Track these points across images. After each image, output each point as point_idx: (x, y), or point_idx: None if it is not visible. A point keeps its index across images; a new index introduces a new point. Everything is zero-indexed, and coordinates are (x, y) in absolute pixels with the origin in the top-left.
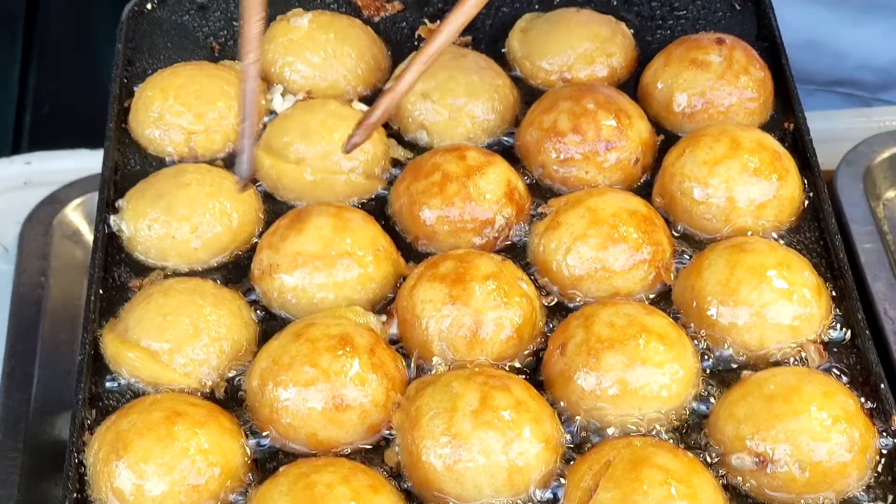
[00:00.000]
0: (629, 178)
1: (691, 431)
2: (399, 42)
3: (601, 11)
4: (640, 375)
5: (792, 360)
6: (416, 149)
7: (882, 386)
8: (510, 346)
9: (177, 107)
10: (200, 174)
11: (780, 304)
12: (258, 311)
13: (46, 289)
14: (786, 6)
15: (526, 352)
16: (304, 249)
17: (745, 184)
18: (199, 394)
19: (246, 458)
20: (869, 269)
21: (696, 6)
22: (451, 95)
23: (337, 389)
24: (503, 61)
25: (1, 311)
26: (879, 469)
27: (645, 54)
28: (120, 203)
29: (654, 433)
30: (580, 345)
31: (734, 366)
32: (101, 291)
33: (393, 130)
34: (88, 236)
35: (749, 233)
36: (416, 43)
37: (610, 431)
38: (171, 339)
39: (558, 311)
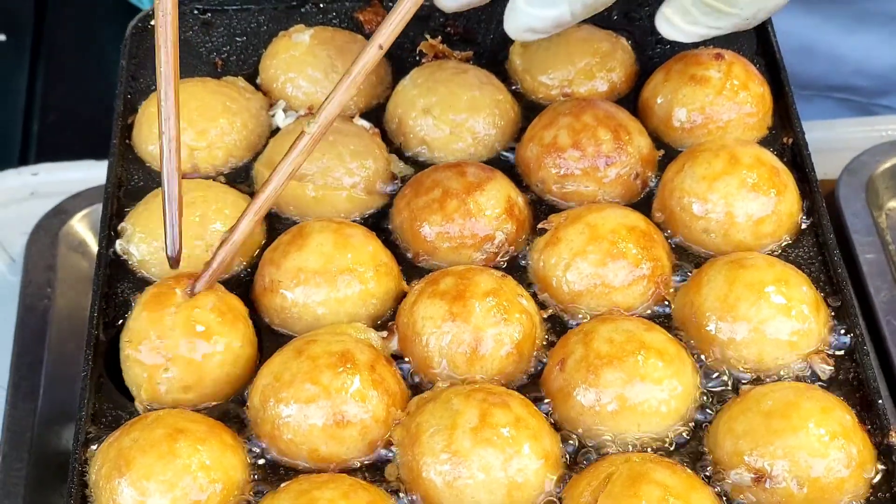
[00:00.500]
0: (629, 193)
1: (690, 447)
2: (401, 57)
3: (602, 26)
4: (640, 391)
5: (789, 375)
6: (417, 164)
7: (879, 402)
8: (510, 362)
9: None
10: (202, 191)
11: (779, 319)
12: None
13: (52, 299)
14: (782, 14)
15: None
16: (306, 266)
17: (743, 199)
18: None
19: (247, 475)
20: (871, 280)
21: None
22: (452, 111)
23: (338, 406)
24: (504, 76)
25: (7, 321)
26: (877, 484)
27: (645, 69)
28: (124, 226)
29: (652, 449)
30: (579, 361)
31: (733, 381)
32: (104, 307)
33: (394, 146)
34: (94, 248)
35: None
36: (417, 58)
37: (609, 447)
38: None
39: (558, 326)
